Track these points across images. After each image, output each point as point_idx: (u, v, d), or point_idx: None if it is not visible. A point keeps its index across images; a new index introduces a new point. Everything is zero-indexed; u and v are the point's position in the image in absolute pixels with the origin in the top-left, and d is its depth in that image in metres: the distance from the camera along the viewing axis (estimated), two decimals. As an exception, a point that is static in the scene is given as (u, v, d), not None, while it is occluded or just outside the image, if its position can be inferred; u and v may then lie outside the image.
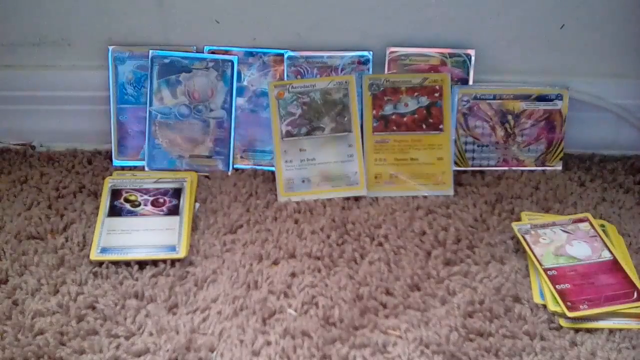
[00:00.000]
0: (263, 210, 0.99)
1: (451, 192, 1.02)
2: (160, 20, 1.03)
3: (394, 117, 1.04)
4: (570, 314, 0.81)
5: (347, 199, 1.01)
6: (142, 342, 0.79)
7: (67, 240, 0.93)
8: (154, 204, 0.98)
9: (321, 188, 1.02)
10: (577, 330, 0.81)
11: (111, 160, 1.07)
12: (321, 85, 1.03)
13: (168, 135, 1.06)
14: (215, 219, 0.97)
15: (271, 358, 0.77)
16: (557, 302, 0.83)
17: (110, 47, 1.04)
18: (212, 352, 0.78)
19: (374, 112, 1.04)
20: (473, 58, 1.04)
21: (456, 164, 1.06)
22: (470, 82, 1.06)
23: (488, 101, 1.05)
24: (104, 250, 0.91)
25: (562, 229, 0.93)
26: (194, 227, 0.96)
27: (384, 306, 0.84)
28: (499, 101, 1.06)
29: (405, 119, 1.04)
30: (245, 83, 1.05)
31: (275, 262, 0.90)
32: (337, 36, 1.04)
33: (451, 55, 1.04)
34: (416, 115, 1.04)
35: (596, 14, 1.01)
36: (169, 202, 0.98)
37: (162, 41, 1.05)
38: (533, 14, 1.02)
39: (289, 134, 1.03)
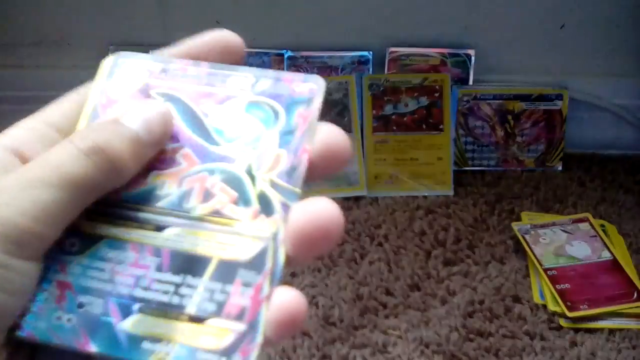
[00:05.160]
0: (263, 210, 0.99)
1: (451, 192, 1.02)
2: (160, 20, 1.03)
3: (394, 117, 1.04)
4: (570, 314, 0.81)
5: (347, 199, 1.01)
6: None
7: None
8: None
9: (321, 188, 1.02)
10: (577, 330, 0.81)
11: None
12: (321, 85, 1.03)
13: (168, 135, 1.06)
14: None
15: (271, 358, 0.77)
16: (557, 302, 0.83)
17: (110, 47, 1.04)
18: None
19: (374, 112, 1.04)
20: (473, 58, 1.04)
21: (456, 164, 1.06)
22: (470, 82, 1.06)
23: (488, 101, 1.06)
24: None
25: (562, 229, 0.93)
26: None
27: (384, 306, 0.84)
28: (499, 101, 1.06)
29: (405, 119, 1.04)
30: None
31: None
32: (337, 36, 1.04)
33: (451, 55, 1.04)
34: (416, 116, 1.04)
35: (596, 14, 1.01)
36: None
37: (162, 41, 1.04)
38: (533, 14, 1.02)
39: (289, 134, 1.03)
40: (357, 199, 1.01)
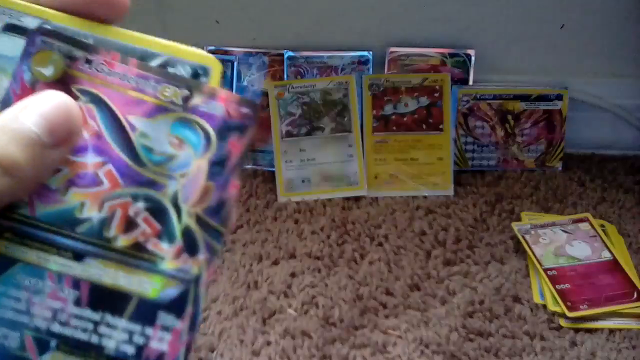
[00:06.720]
0: (263, 210, 0.99)
1: (451, 192, 1.02)
2: (160, 20, 1.03)
3: (394, 117, 1.04)
4: (570, 314, 0.81)
5: (347, 199, 1.01)
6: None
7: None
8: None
9: (321, 188, 1.02)
10: (577, 330, 0.81)
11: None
12: (321, 85, 1.03)
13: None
14: (215, 219, 0.97)
15: (271, 358, 0.77)
16: (557, 302, 0.83)
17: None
18: (212, 352, 0.78)
19: (374, 112, 1.04)
20: (473, 58, 1.04)
21: (456, 164, 1.06)
22: (470, 82, 1.06)
23: (488, 101, 1.06)
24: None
25: (562, 229, 0.93)
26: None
27: (384, 306, 0.84)
28: (499, 101, 1.06)
29: (405, 119, 1.04)
30: (245, 83, 1.06)
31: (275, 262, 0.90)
32: (337, 36, 1.04)
33: (451, 55, 1.04)
34: (416, 115, 1.04)
35: (596, 14, 1.01)
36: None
37: (162, 41, 1.05)
38: (533, 14, 1.02)
39: (288, 134, 1.03)
40: (357, 199, 1.01)
